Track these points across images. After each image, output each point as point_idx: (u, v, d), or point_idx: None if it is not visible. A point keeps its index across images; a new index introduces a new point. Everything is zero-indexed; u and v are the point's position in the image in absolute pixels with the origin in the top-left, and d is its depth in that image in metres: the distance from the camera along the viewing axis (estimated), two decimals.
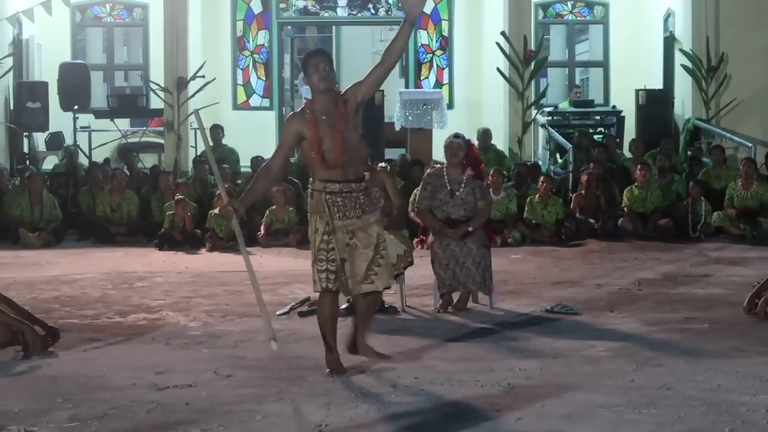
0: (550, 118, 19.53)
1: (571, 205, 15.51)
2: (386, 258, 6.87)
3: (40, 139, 19.69)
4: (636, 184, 15.50)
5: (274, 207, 14.88)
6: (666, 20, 20.55)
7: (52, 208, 15.41)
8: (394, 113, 18.86)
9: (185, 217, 14.61)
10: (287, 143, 6.92)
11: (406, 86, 21.45)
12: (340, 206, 6.74)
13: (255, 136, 20.20)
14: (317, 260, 6.79)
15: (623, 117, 19.69)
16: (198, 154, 18.29)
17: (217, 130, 18.13)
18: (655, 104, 18.97)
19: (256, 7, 21.65)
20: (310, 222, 6.86)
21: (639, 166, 15.64)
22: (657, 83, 20.11)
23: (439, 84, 21.61)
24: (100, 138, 19.32)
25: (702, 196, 15.27)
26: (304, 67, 6.73)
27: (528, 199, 15.00)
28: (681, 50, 19.20)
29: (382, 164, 12.34)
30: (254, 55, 21.72)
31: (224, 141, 18.22)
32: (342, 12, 22.16)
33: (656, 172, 16.25)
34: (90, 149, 19.00)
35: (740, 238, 14.77)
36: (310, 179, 6.89)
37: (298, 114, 6.79)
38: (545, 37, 20.74)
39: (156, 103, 19.43)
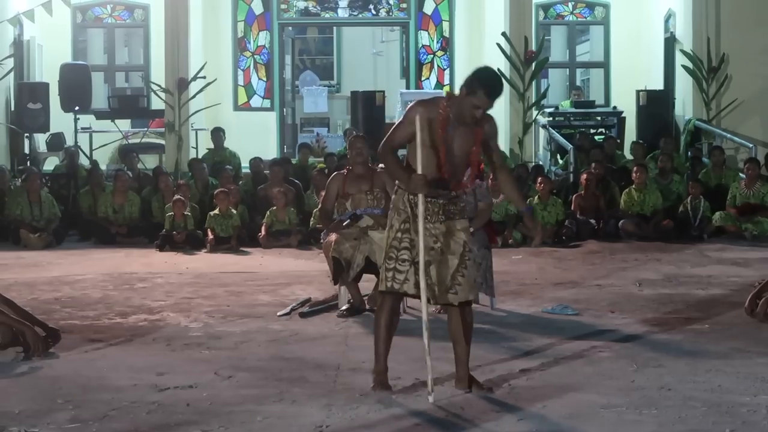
0: (550, 118, 19.53)
1: (572, 205, 15.51)
2: (470, 269, 6.42)
3: (40, 140, 19.70)
4: (634, 186, 15.50)
5: (274, 208, 14.88)
6: (667, 21, 20.56)
7: (51, 206, 15.42)
8: (395, 114, 18.89)
9: (185, 218, 14.61)
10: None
11: (407, 87, 21.48)
12: (432, 209, 6.40)
13: (256, 137, 20.24)
14: (387, 258, 6.42)
15: (624, 118, 19.69)
16: (198, 156, 18.29)
17: (218, 133, 18.14)
18: (655, 105, 18.97)
19: (257, 8, 21.67)
20: (389, 218, 6.54)
21: (636, 168, 15.64)
22: (658, 84, 20.12)
23: (440, 85, 21.63)
24: (101, 139, 19.33)
25: (701, 195, 15.28)
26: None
27: (527, 201, 15.00)
28: (682, 51, 19.20)
29: (383, 165, 12.34)
30: (255, 56, 21.74)
31: (225, 143, 18.20)
32: (343, 13, 22.18)
33: (657, 172, 16.25)
34: (91, 150, 19.00)
35: (741, 238, 14.78)
36: None
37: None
38: (546, 37, 20.75)
39: (157, 104, 19.44)
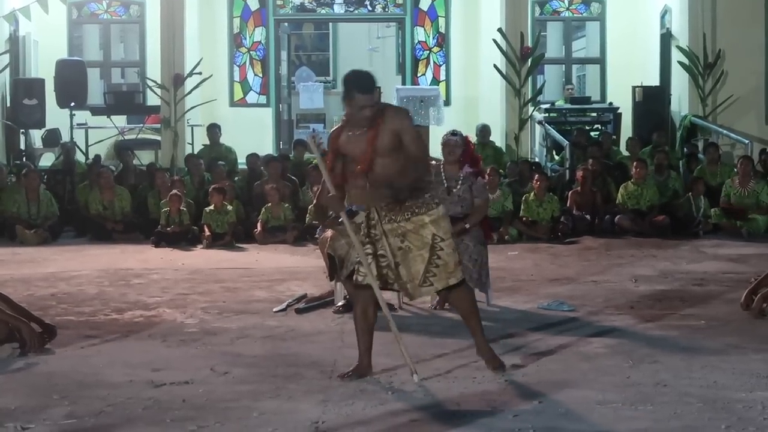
0: (546, 114, 19.54)
1: (568, 202, 15.51)
2: (444, 258, 6.64)
3: (36, 136, 19.67)
4: (632, 180, 15.51)
5: (269, 204, 14.88)
6: (663, 17, 20.56)
7: (48, 204, 15.40)
8: None
9: (180, 213, 14.61)
10: None
11: (403, 83, 21.43)
12: (385, 210, 6.65)
13: (252, 133, 20.21)
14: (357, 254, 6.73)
15: (620, 114, 19.70)
16: (193, 151, 18.27)
17: (214, 129, 18.12)
18: (651, 101, 18.99)
19: (253, 4, 21.62)
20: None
21: (635, 163, 15.64)
22: (653, 80, 20.12)
23: (436, 81, 21.59)
24: (97, 135, 19.29)
25: (702, 193, 15.31)
26: None
27: (524, 197, 15.00)
28: (678, 47, 19.20)
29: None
30: (251, 52, 21.70)
31: (221, 139, 18.18)
32: (339, 9, 22.15)
33: (653, 168, 16.26)
34: (87, 146, 18.97)
35: (737, 235, 14.80)
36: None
37: None
38: (542, 34, 20.74)
39: (153, 100, 19.39)
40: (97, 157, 17.92)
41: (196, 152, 18.09)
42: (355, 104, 6.54)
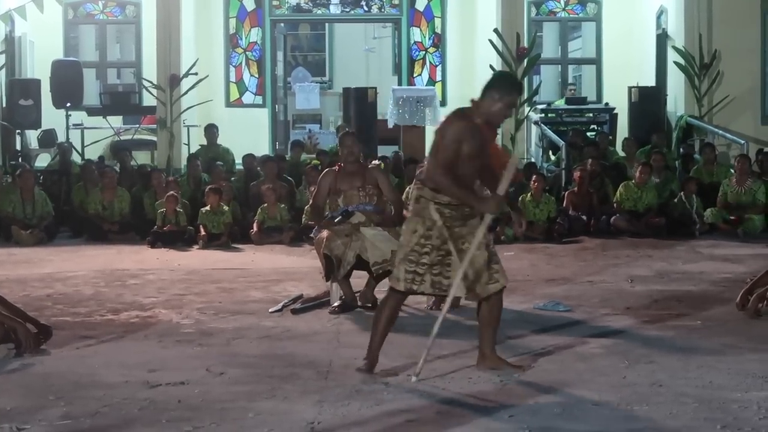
0: (542, 115, 19.54)
1: (564, 202, 15.51)
2: (498, 257, 6.87)
3: (32, 136, 19.66)
4: (633, 181, 15.50)
5: (265, 205, 14.87)
6: (659, 17, 20.57)
7: (44, 204, 15.39)
8: (387, 110, 18.88)
9: (176, 213, 14.61)
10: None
11: (399, 83, 21.45)
12: (447, 217, 6.70)
13: (248, 134, 20.22)
14: (406, 260, 6.74)
15: (616, 114, 19.71)
16: (192, 152, 18.26)
17: (212, 130, 18.11)
18: (647, 101, 18.98)
19: (249, 5, 21.64)
20: (409, 223, 6.82)
21: (640, 167, 15.57)
22: (650, 80, 20.13)
23: (432, 81, 21.62)
24: (93, 135, 19.29)
25: (694, 192, 15.32)
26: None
27: (520, 198, 14.99)
28: (674, 47, 19.22)
29: (376, 162, 12.35)
30: (247, 53, 21.72)
31: (218, 139, 18.17)
32: (335, 9, 22.16)
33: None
34: (83, 146, 18.96)
35: (733, 235, 14.81)
36: (419, 186, 6.81)
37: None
38: (538, 34, 20.73)
39: (148, 100, 19.40)
40: (100, 158, 17.90)
41: (192, 153, 18.09)
42: (511, 104, 6.86)
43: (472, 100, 6.92)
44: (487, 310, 6.90)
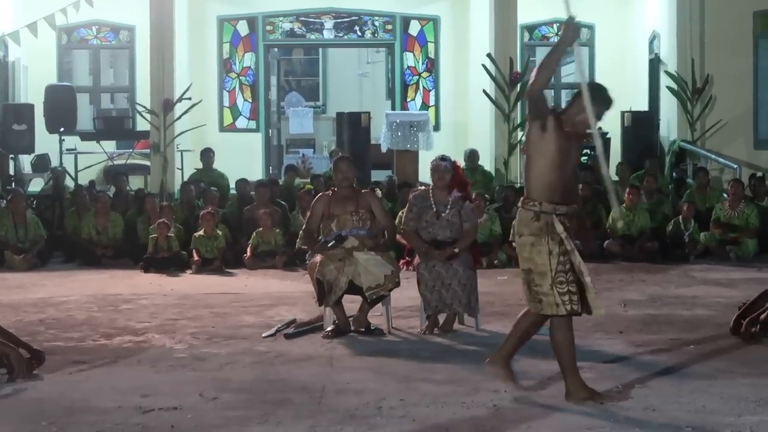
0: None
1: None
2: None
3: (26, 161, 19.65)
4: (624, 206, 15.52)
5: (260, 229, 14.86)
6: (651, 42, 20.65)
7: (36, 228, 15.37)
8: (381, 135, 18.91)
9: (168, 240, 14.58)
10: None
11: (393, 108, 21.50)
12: (566, 227, 6.80)
13: (241, 158, 20.23)
14: (557, 283, 6.68)
15: (609, 139, 19.69)
16: (185, 177, 18.27)
17: (208, 154, 18.10)
18: (640, 126, 19.01)
19: (243, 30, 21.70)
20: (539, 245, 6.80)
21: (628, 190, 15.62)
22: (642, 105, 20.18)
23: (425, 106, 21.67)
24: (86, 160, 19.29)
25: (692, 216, 15.33)
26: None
27: (513, 222, 14.95)
28: (666, 72, 19.27)
29: (378, 193, 12.40)
30: (241, 77, 21.77)
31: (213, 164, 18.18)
32: (328, 34, 22.22)
33: (643, 193, 16.28)
34: (76, 171, 18.96)
35: (725, 259, 14.83)
36: (530, 203, 6.85)
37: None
38: (531, 59, 20.78)
39: (142, 125, 19.42)
40: (91, 182, 17.90)
41: (186, 177, 18.08)
42: (595, 116, 6.76)
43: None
44: (528, 325, 7.00)
